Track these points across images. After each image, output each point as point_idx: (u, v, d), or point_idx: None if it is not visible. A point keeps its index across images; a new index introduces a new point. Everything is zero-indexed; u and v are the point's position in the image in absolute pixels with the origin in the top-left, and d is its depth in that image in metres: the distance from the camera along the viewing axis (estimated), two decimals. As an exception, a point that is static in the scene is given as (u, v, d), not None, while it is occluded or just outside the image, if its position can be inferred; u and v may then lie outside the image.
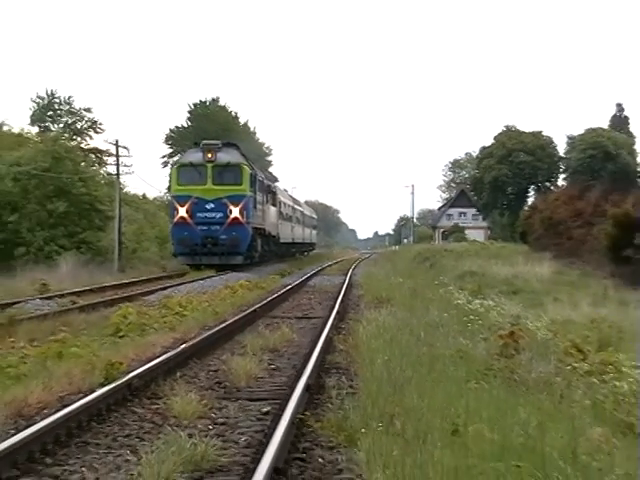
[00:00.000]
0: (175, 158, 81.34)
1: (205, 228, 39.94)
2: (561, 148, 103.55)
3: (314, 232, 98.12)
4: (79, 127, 78.86)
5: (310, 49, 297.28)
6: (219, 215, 40.09)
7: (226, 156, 41.30)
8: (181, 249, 40.97)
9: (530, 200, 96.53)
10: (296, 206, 74.61)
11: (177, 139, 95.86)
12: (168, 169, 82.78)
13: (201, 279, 32.89)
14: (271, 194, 52.76)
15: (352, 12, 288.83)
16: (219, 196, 40.19)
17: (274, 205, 54.12)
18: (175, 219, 40.79)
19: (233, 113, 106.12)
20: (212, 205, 40.10)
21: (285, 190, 75.26)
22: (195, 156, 41.28)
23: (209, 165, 40.52)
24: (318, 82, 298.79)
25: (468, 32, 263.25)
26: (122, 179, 56.79)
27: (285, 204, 62.14)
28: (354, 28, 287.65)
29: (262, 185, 47.23)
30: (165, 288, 28.53)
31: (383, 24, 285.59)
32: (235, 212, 40.14)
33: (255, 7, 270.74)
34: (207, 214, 40.04)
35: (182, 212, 40.07)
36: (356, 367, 12.58)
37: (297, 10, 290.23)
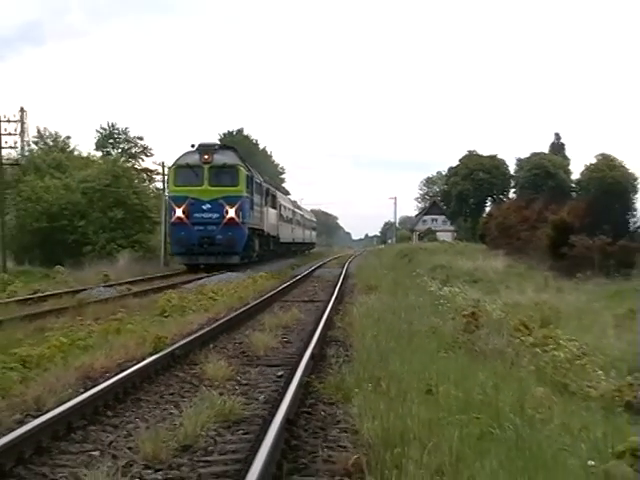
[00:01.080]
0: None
1: (202, 228, 33.65)
2: (512, 168, 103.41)
3: (314, 233, 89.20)
4: (133, 152, 79.03)
5: (299, 71, 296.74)
6: (215, 215, 33.84)
7: (222, 158, 34.97)
8: (178, 249, 35.02)
9: (487, 209, 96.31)
10: (296, 210, 67.08)
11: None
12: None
13: (230, 271, 32.87)
14: (270, 197, 45.20)
15: (337, 33, 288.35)
16: (215, 197, 33.85)
17: (274, 207, 46.73)
18: (172, 219, 34.47)
19: (254, 141, 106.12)
20: (208, 206, 33.87)
21: (288, 196, 69.17)
22: (192, 158, 34.70)
23: (206, 166, 34.16)
24: (321, 107, 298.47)
25: (439, 70, 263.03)
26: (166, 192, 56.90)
27: (285, 207, 54.93)
28: (345, 51, 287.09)
29: (260, 187, 40.37)
30: (200, 278, 28.47)
31: (367, 50, 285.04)
32: (231, 212, 33.83)
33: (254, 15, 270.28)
34: (204, 214, 33.80)
35: (179, 212, 33.95)
36: (351, 340, 12.57)
37: (288, 26, 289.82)
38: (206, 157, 34.24)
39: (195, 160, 34.35)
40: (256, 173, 40.21)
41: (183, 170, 34.46)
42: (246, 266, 34.77)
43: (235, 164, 34.93)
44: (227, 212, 33.76)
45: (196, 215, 33.73)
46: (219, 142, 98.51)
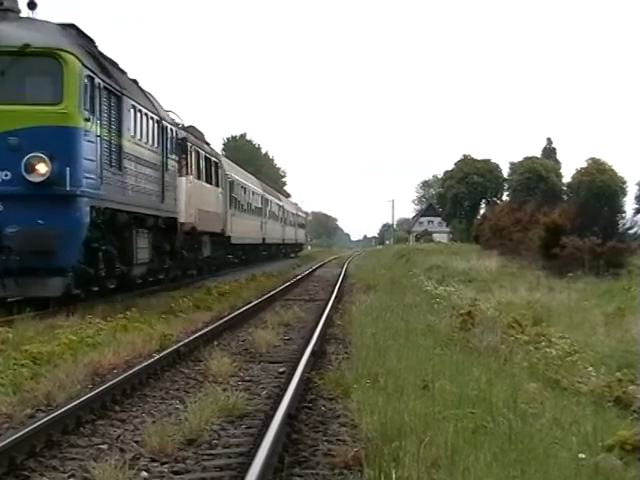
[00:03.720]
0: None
1: None
2: (505, 172, 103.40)
3: (301, 231, 73.17)
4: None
5: (301, 77, 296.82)
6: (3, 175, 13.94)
7: (26, 34, 14.19)
8: None
9: (482, 211, 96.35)
10: (272, 198, 50.44)
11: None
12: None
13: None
14: (207, 164, 27.43)
15: (339, 40, 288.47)
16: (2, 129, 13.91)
17: (211, 182, 28.65)
18: None
19: (257, 145, 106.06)
20: None
21: (259, 180, 49.10)
22: None
23: None
24: (322, 111, 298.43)
25: (435, 77, 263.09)
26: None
27: (247, 190, 38.61)
28: (346, 57, 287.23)
29: (167, 134, 21.15)
30: (205, 279, 28.43)
31: (368, 55, 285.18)
32: (41, 167, 13.79)
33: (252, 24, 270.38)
34: None
35: None
36: (350, 338, 12.55)
37: (291, 33, 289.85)
38: None
39: None
40: (156, 101, 21.25)
41: None
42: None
43: (57, 48, 14.18)
44: (31, 167, 13.84)
45: None
46: (223, 146, 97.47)
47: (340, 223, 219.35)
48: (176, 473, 5.70)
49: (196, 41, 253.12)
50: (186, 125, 26.17)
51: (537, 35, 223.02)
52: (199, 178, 26.33)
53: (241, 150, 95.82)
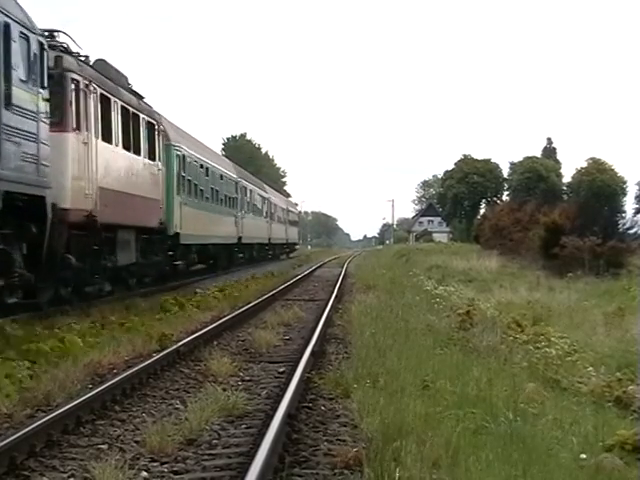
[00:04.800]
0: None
1: None
2: (505, 171, 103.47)
3: (293, 230, 63.56)
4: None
5: (301, 77, 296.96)
6: None
7: None
8: None
9: (482, 211, 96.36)
10: (252, 187, 41.40)
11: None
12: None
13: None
14: (139, 127, 19.08)
15: (339, 39, 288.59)
16: None
17: (152, 158, 20.26)
18: None
19: (257, 145, 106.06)
20: None
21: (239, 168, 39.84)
22: None
23: None
24: (321, 111, 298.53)
25: (435, 78, 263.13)
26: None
27: (212, 172, 29.02)
28: (346, 57, 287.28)
29: (36, 55, 12.19)
30: (204, 279, 28.42)
31: (370, 57, 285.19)
32: None
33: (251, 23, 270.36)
34: None
35: None
36: (350, 337, 12.55)
37: (292, 33, 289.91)
38: None
39: None
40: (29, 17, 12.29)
41: None
42: None
43: None
44: None
45: None
46: (223, 146, 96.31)
47: (340, 223, 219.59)
48: (176, 473, 5.70)
49: (196, 40, 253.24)
50: (95, 60, 17.29)
51: (537, 35, 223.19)
52: (109, 140, 16.53)
53: (241, 150, 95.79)
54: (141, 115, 19.35)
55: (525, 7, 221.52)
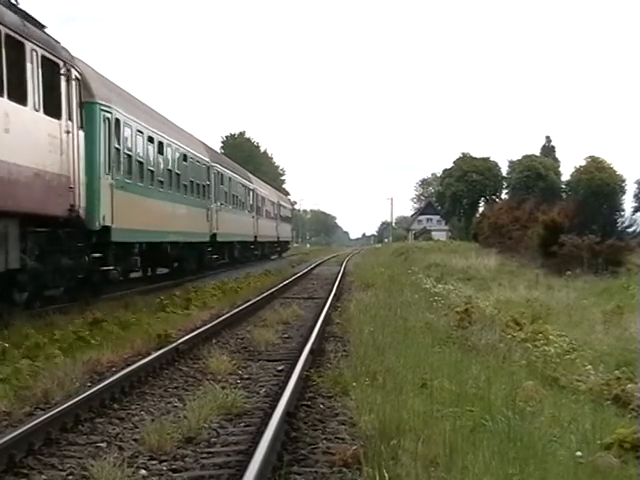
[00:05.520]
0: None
1: None
2: (504, 170, 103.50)
3: (285, 226, 57.65)
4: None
5: (300, 75, 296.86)
6: None
7: None
8: None
9: (480, 209, 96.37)
10: (231, 173, 35.23)
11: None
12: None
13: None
14: (24, 63, 12.38)
15: (338, 38, 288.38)
16: None
17: (54, 115, 13.56)
18: None
19: (256, 143, 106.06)
20: None
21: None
22: None
23: None
24: (320, 113, 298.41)
25: (434, 76, 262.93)
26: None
27: (166, 147, 22.97)
28: (345, 56, 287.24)
29: None
30: (205, 276, 28.43)
31: (370, 58, 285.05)
32: None
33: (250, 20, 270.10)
34: None
35: None
36: (348, 336, 12.55)
37: (291, 31, 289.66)
38: None
39: None
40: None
41: None
42: None
43: None
44: None
45: None
46: (222, 144, 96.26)
47: (339, 221, 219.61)
48: (175, 471, 5.70)
49: (195, 39, 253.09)
50: None
51: (536, 33, 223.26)
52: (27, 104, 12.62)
53: (240, 148, 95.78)
54: (28, 44, 12.84)
55: (524, 6, 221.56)
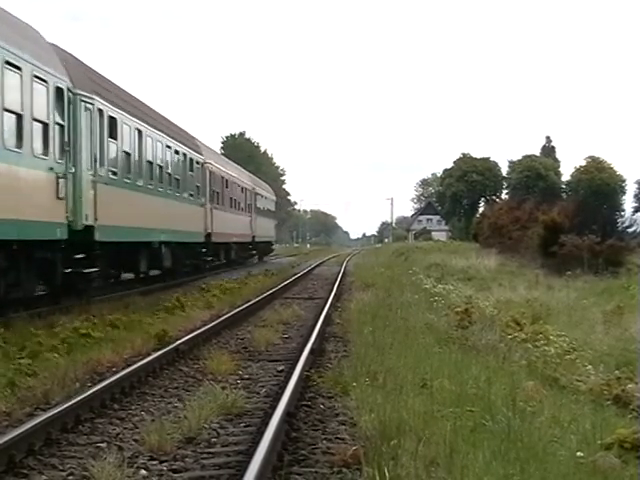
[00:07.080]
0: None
1: None
2: (504, 170, 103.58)
3: (265, 222, 45.59)
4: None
5: (301, 76, 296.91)
6: None
7: None
8: None
9: (480, 209, 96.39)
10: (199, 156, 27.55)
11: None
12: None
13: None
14: None
15: (338, 38, 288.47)
16: None
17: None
18: None
19: (256, 143, 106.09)
20: None
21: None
22: None
23: None
24: (321, 113, 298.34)
25: (434, 76, 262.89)
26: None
27: (125, 125, 18.36)
28: (345, 56, 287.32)
29: None
30: (205, 277, 28.42)
31: (370, 58, 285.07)
32: None
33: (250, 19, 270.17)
34: None
35: None
36: (349, 336, 12.55)
37: (291, 31, 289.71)
38: None
39: None
40: None
41: None
42: None
43: None
44: None
45: None
46: (222, 144, 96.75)
47: (339, 221, 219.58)
48: (175, 471, 5.70)
49: (195, 39, 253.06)
50: None
51: (536, 33, 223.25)
52: None
53: (240, 148, 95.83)
54: None
55: (524, 6, 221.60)
